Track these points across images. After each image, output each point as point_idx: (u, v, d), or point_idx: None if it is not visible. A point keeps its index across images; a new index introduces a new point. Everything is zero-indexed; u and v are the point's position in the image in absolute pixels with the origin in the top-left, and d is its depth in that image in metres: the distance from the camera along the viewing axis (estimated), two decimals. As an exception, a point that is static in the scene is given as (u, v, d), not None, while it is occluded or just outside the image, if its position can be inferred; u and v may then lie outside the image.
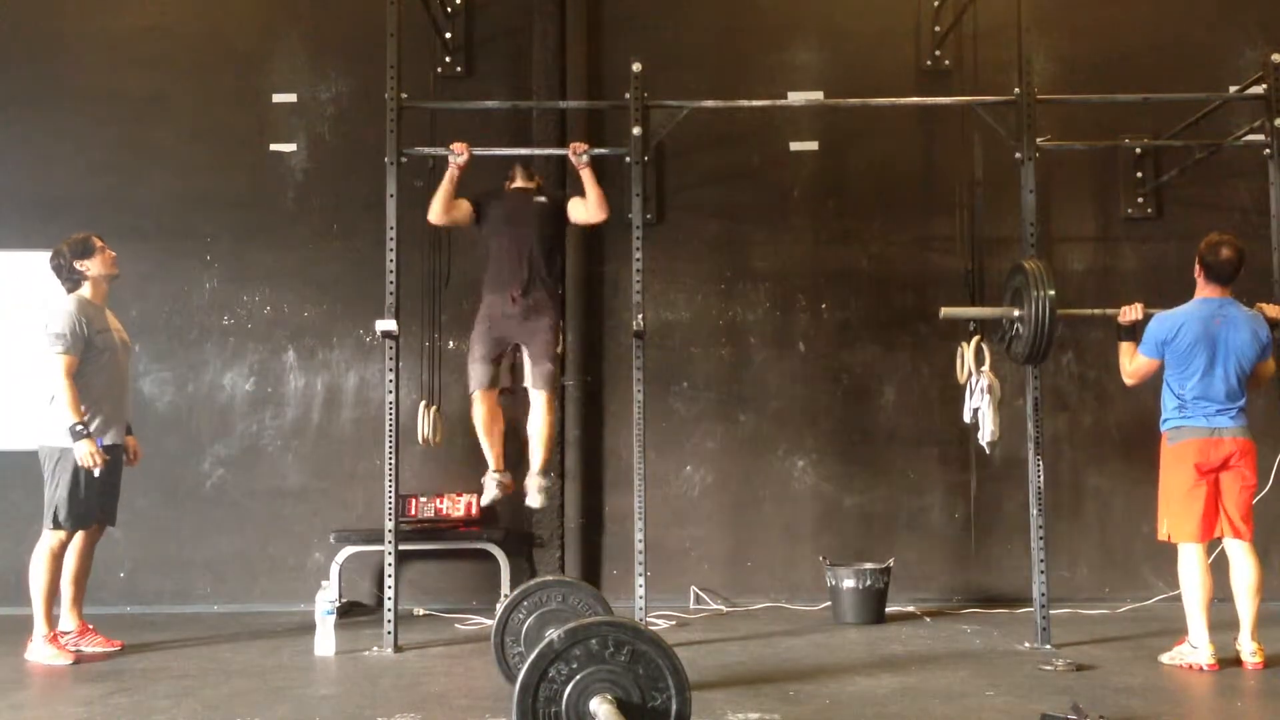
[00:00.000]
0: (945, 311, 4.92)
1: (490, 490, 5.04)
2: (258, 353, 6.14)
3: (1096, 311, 4.92)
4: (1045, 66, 6.02)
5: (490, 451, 5.07)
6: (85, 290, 4.81)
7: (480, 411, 5.02)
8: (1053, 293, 4.50)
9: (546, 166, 5.93)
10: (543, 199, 5.15)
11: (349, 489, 6.06)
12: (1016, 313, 4.70)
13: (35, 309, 4.89)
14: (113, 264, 4.89)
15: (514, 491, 5.05)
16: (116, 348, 4.85)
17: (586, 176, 4.99)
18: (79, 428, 4.57)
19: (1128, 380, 4.66)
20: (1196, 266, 4.49)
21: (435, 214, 5.06)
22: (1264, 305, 4.52)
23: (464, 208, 5.10)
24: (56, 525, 4.65)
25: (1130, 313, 4.62)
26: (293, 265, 6.17)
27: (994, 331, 5.01)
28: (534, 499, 5.02)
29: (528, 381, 5.04)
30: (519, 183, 5.19)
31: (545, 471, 5.03)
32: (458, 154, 4.97)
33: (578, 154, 5.00)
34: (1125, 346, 4.64)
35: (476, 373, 5.01)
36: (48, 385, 4.65)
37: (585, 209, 5.07)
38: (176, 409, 6.10)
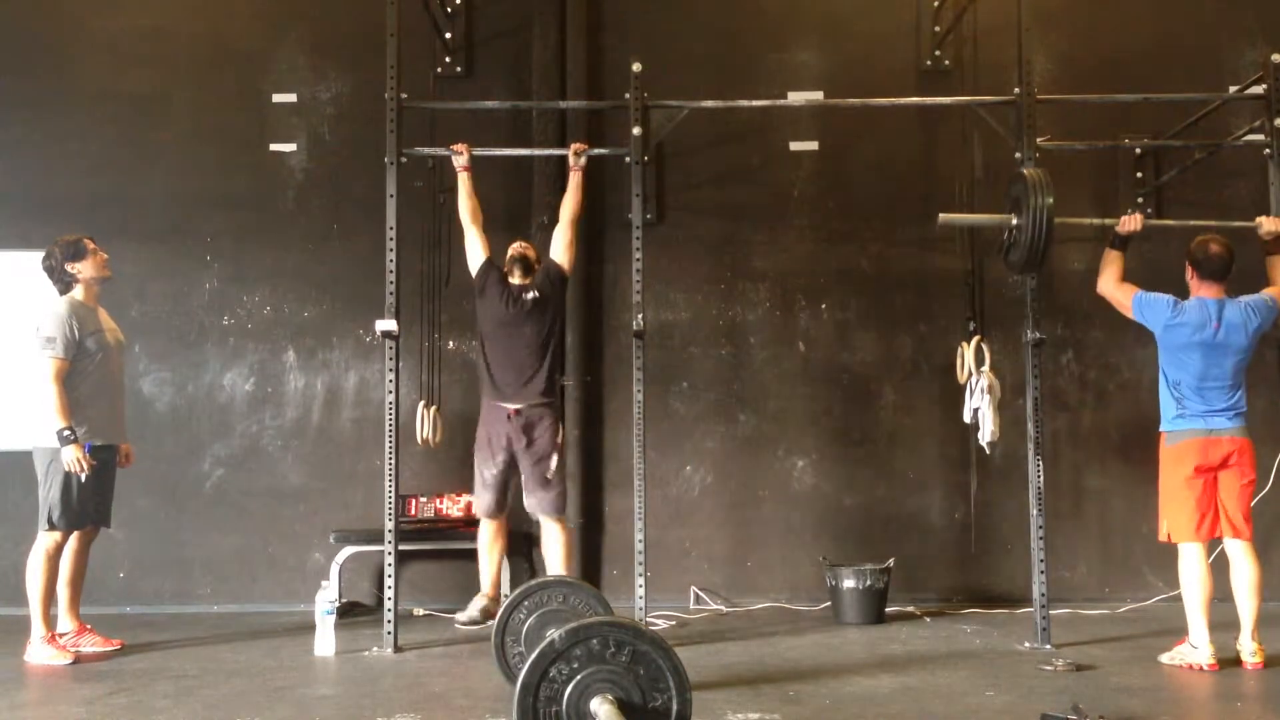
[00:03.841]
0: (943, 218, 4.91)
1: (472, 611, 5.08)
2: (258, 353, 6.14)
3: (1095, 221, 4.91)
4: (1045, 66, 6.03)
5: (485, 573, 5.16)
6: (77, 293, 4.79)
7: (485, 533, 5.17)
8: (1051, 200, 4.44)
9: (546, 167, 5.93)
10: (537, 292, 5.07)
11: (349, 489, 6.06)
12: (1015, 220, 4.66)
13: (32, 309, 4.88)
14: (104, 266, 4.87)
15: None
16: (109, 348, 4.84)
17: (577, 180, 5.00)
18: (66, 433, 4.56)
19: (1100, 288, 4.60)
20: (1188, 268, 4.48)
21: (465, 222, 5.15)
22: (1262, 219, 4.55)
23: (481, 237, 5.15)
24: (51, 526, 4.64)
25: (1130, 223, 4.58)
26: (293, 265, 6.16)
27: (992, 244, 4.98)
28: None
29: (528, 507, 5.14)
30: (516, 279, 5.13)
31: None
32: (458, 154, 4.96)
33: (577, 154, 5.00)
34: (1113, 254, 4.59)
35: (484, 501, 5.11)
36: (39, 388, 4.65)
37: (562, 231, 5.09)
38: (176, 409, 6.09)
